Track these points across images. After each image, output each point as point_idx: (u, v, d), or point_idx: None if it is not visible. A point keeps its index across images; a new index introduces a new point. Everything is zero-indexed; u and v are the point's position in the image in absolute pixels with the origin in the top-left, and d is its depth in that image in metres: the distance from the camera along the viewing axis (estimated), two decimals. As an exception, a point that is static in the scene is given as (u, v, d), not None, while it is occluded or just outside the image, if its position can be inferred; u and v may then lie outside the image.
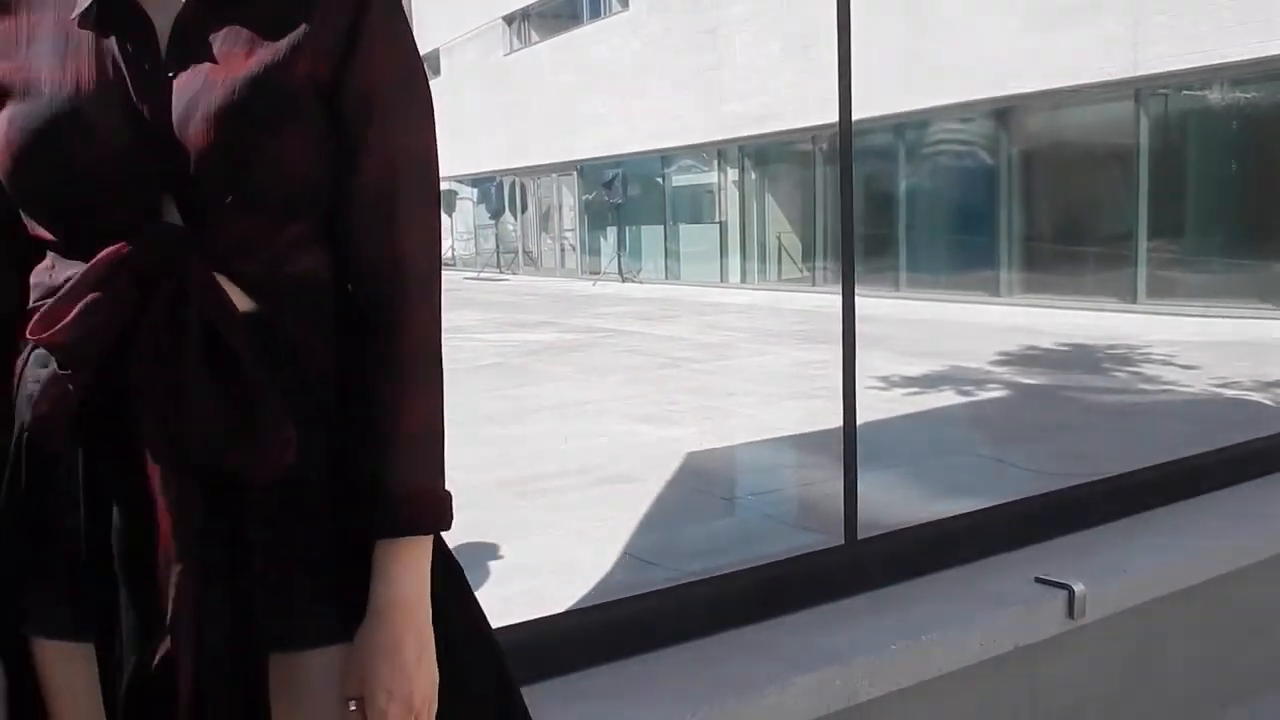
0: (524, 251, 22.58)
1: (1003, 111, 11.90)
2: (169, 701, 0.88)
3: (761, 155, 15.96)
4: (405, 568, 0.93)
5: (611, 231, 19.12)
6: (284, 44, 0.89)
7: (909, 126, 12.60)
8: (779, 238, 15.43)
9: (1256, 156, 10.44)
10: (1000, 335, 8.69)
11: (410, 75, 0.95)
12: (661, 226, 18.06)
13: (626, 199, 18.39)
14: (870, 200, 12.70)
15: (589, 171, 19.64)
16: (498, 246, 23.00)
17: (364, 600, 0.92)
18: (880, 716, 1.96)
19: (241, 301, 0.89)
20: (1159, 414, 5.82)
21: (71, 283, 0.86)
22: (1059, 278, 11.38)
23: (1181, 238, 10.87)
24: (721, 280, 16.22)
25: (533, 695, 1.67)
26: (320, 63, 0.90)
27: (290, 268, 0.92)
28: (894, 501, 3.20)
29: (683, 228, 17.66)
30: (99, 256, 0.86)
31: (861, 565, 2.16)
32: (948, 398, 6.32)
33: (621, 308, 13.00)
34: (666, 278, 17.28)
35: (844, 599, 2.11)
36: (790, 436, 5.10)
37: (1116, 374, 7.40)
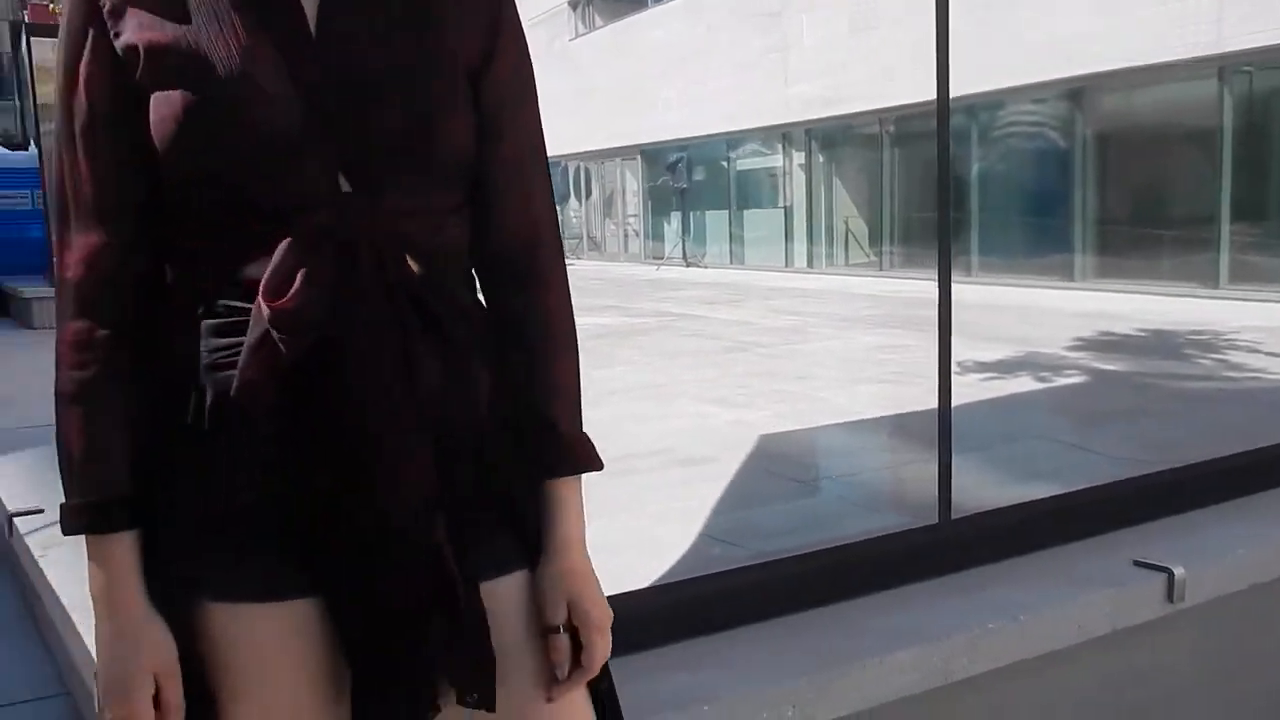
0: (588, 236, 22.63)
1: (1077, 92, 11.64)
2: (401, 649, 0.93)
3: (828, 138, 15.79)
4: (577, 504, 1.03)
5: (675, 216, 19.08)
6: (442, 28, 0.96)
7: (982, 108, 12.38)
8: (845, 222, 15.27)
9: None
10: (1076, 320, 8.52)
11: (529, 63, 1.05)
12: (726, 211, 17.97)
13: (691, 183, 18.33)
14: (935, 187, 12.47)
15: (653, 155, 19.61)
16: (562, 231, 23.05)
17: (533, 533, 1.01)
18: (975, 695, 1.95)
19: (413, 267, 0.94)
20: (1245, 401, 5.66)
21: (281, 253, 0.88)
22: (1135, 262, 11.12)
23: (1266, 220, 10.55)
24: (786, 265, 16.11)
25: (642, 665, 1.70)
26: (472, 48, 0.98)
27: (445, 235, 0.98)
28: (975, 485, 3.17)
29: (747, 212, 17.57)
30: (301, 227, 0.88)
31: (956, 544, 2.15)
32: (1025, 383, 6.21)
33: (686, 292, 12.97)
34: (731, 262, 17.21)
35: (938, 578, 2.11)
36: (863, 420, 5.07)
37: (1199, 360, 7.21)
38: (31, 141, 10.13)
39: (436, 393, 0.92)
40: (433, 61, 0.95)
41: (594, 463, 1.04)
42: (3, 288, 8.99)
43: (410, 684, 0.95)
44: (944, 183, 2.23)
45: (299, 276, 0.87)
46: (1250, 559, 2.25)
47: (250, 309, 0.89)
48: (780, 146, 16.79)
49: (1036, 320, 9.20)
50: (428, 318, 0.92)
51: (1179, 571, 2.10)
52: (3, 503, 3.06)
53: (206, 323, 0.92)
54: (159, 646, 0.91)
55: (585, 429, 1.05)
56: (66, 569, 2.38)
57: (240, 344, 0.89)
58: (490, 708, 0.95)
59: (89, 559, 0.92)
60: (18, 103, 13.84)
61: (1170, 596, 2.10)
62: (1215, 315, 8.94)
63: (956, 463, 2.87)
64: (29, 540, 2.67)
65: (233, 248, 0.91)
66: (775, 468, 4.37)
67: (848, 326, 9.64)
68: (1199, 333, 8.20)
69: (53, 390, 0.94)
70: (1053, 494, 2.47)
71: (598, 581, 1.03)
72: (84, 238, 0.93)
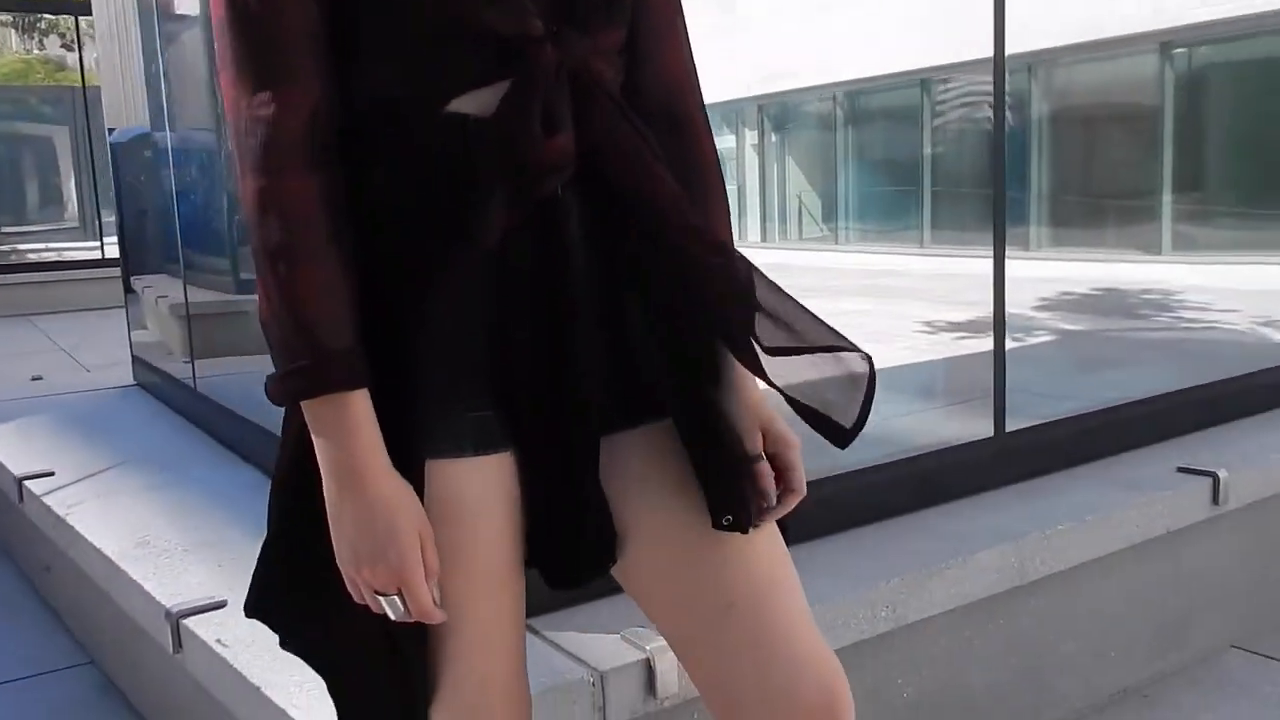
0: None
1: (1030, 67, 11.86)
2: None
3: (780, 114, 15.89)
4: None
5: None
6: None
7: (936, 82, 12.55)
8: (799, 197, 15.40)
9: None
10: (1036, 285, 8.67)
11: None
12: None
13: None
14: (894, 158, 12.68)
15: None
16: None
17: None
18: (1046, 595, 2.01)
19: None
20: (1212, 346, 5.85)
21: (516, 88, 0.89)
22: (1086, 232, 11.37)
23: (1203, 192, 10.86)
24: (740, 238, 16.13)
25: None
26: None
27: (619, 73, 0.99)
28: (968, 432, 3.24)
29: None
30: (536, 59, 0.89)
31: (1011, 455, 2.20)
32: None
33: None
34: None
35: (1000, 488, 2.16)
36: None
37: (1157, 317, 7.42)
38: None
39: (685, 200, 0.95)
40: None
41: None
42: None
43: (595, 532, 0.98)
44: (998, 140, 2.31)
45: (564, 113, 0.89)
46: (1284, 465, 2.34)
47: (458, 146, 0.89)
48: (734, 122, 16.83)
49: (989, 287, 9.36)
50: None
51: (1223, 474, 2.18)
52: (7, 468, 2.99)
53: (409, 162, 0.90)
54: (415, 506, 0.89)
55: None
56: (98, 521, 2.34)
57: (458, 184, 0.89)
58: (744, 528, 0.97)
59: (321, 432, 0.88)
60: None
61: (1215, 499, 2.18)
62: (1161, 278, 9.21)
63: (959, 410, 2.94)
64: (48, 501, 2.62)
65: (442, 80, 0.89)
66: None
67: (809, 294, 9.71)
68: (1149, 292, 8.44)
69: (251, 253, 0.90)
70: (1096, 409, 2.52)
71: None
72: (278, 82, 0.87)
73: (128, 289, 4.27)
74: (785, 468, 1.01)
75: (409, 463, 0.91)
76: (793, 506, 1.01)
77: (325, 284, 0.87)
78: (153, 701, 2.27)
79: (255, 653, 1.58)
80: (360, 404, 0.87)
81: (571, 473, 0.97)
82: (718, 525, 0.97)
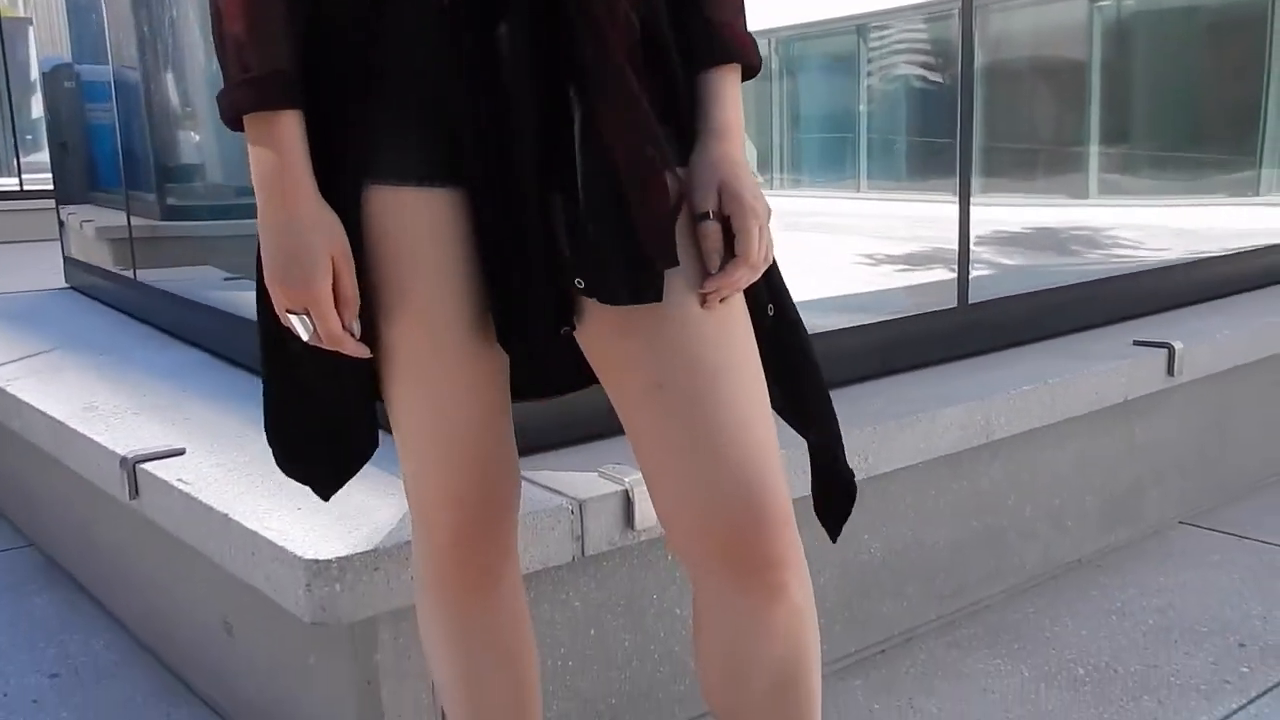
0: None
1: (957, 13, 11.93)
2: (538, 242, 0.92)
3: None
4: (733, 93, 0.98)
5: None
6: None
7: (872, 29, 12.57)
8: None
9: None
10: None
11: None
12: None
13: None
14: (830, 106, 12.67)
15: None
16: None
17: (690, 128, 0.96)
18: (1007, 457, 2.04)
19: None
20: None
21: None
22: (1015, 179, 11.54)
23: (1128, 142, 11.08)
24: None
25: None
26: None
27: None
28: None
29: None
30: None
31: (976, 326, 2.22)
32: (941, 273, 6.41)
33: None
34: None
35: (963, 360, 2.18)
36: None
37: (1089, 253, 7.57)
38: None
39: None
40: None
41: (753, 57, 0.99)
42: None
43: (546, 284, 0.93)
44: (967, 77, 2.29)
45: None
46: (1232, 341, 2.39)
47: None
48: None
49: (930, 226, 9.51)
50: None
51: (1178, 346, 2.22)
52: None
53: None
54: (335, 230, 0.90)
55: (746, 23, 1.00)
56: (41, 392, 2.25)
57: None
58: (653, 298, 0.91)
59: (254, 145, 0.90)
60: None
61: (1170, 369, 2.22)
62: (1089, 219, 9.45)
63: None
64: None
65: None
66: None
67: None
68: (1080, 229, 8.65)
69: None
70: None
71: (755, 180, 0.96)
72: None
73: (60, 205, 4.12)
74: (735, 231, 0.93)
75: (356, 193, 0.92)
76: (737, 276, 0.93)
77: (265, 8, 0.88)
78: (102, 569, 2.21)
79: (220, 488, 1.53)
80: (292, 124, 0.89)
81: (521, 217, 0.92)
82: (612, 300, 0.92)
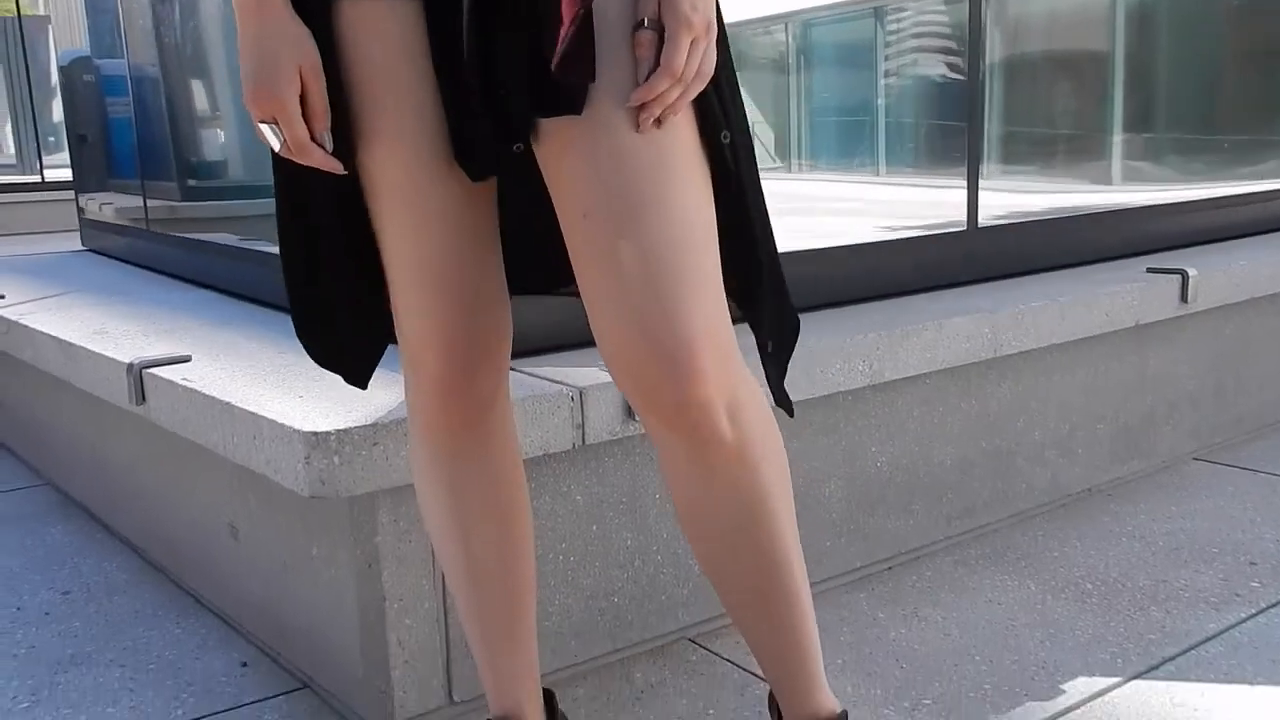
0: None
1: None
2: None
3: (733, 43, 15.75)
4: None
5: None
6: None
7: (888, 11, 12.53)
8: (752, 126, 15.32)
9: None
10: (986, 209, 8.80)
11: None
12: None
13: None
14: (848, 91, 12.62)
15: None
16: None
17: None
18: (1016, 378, 2.03)
19: None
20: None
21: None
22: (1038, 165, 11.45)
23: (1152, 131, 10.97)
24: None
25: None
26: None
27: None
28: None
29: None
30: None
31: (985, 252, 2.21)
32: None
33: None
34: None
35: (970, 285, 2.17)
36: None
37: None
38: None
39: None
40: None
41: None
42: None
43: (496, 100, 0.91)
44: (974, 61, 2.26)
45: None
46: (1250, 272, 2.36)
47: None
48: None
49: (951, 210, 9.45)
50: None
51: (1192, 273, 2.20)
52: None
53: None
54: (303, 42, 0.91)
55: None
56: (53, 322, 2.27)
57: None
58: (573, 110, 0.88)
59: None
60: None
61: (1184, 296, 2.20)
62: (1111, 205, 9.38)
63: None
64: (5, 314, 2.53)
65: None
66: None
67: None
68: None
69: None
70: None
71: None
72: None
73: (79, 195, 4.16)
74: (665, 40, 0.87)
75: (325, 6, 0.93)
76: (660, 87, 0.87)
77: None
78: (113, 494, 2.23)
79: (223, 385, 1.53)
80: None
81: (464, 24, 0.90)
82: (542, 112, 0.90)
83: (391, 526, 1.38)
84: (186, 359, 1.73)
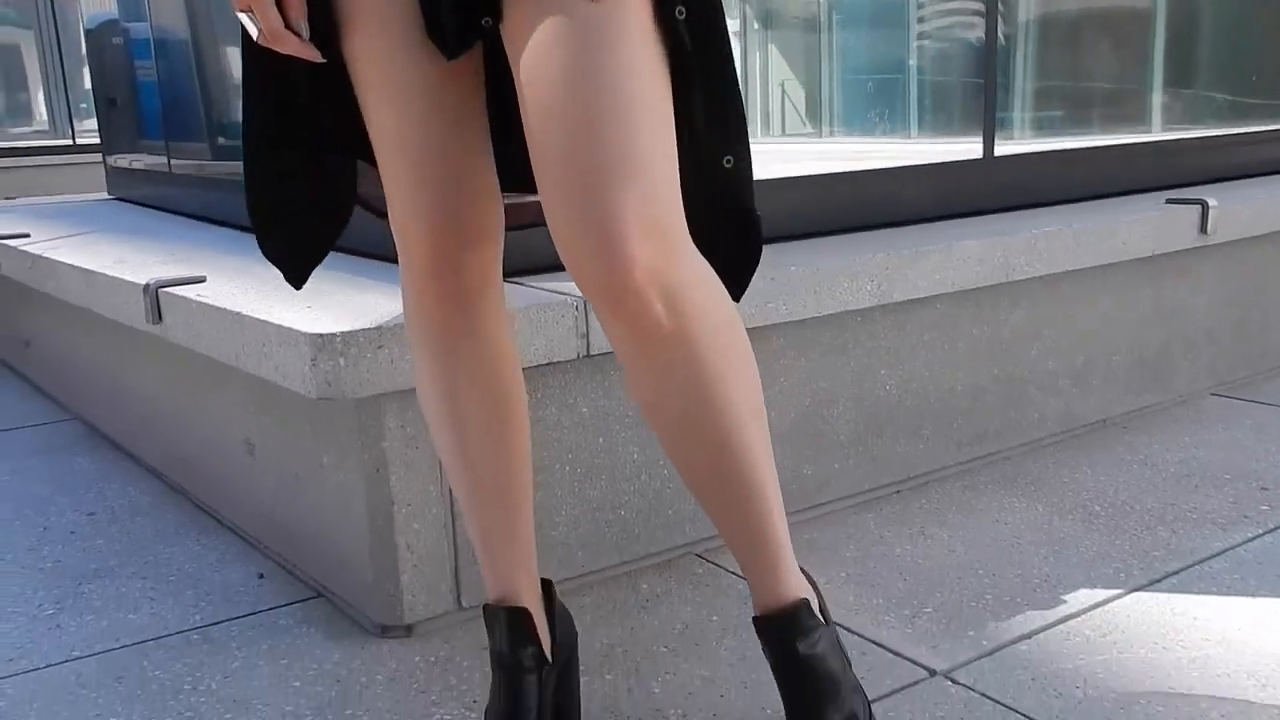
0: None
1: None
2: None
3: (763, 5, 15.64)
4: None
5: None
6: None
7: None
8: (782, 85, 15.23)
9: None
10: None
11: None
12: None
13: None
14: (880, 52, 12.49)
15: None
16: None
17: None
18: (1030, 305, 2.02)
19: None
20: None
21: None
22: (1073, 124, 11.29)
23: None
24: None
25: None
26: None
27: None
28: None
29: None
30: None
31: (1001, 181, 2.19)
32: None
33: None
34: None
35: (985, 214, 2.16)
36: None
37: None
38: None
39: None
40: None
41: None
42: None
43: None
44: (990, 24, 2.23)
45: None
46: (1271, 205, 2.33)
47: None
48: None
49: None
50: None
51: (1212, 203, 2.17)
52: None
53: None
54: None
55: None
56: (75, 254, 2.31)
57: None
58: None
59: None
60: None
61: (1203, 227, 2.17)
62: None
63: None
64: (25, 248, 2.57)
65: None
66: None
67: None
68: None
69: None
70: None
71: None
72: None
73: (106, 156, 4.21)
74: None
75: None
76: None
77: None
78: (134, 421, 2.28)
79: (235, 300, 1.56)
80: None
81: None
82: None
83: (399, 432, 1.40)
84: (201, 279, 1.76)
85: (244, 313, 1.47)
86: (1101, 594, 1.50)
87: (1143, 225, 2.08)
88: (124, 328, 2.21)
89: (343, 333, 1.30)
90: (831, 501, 1.85)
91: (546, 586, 1.17)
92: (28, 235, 2.76)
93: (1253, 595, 1.48)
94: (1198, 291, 2.30)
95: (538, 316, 1.42)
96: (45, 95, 9.47)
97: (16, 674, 1.41)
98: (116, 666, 1.42)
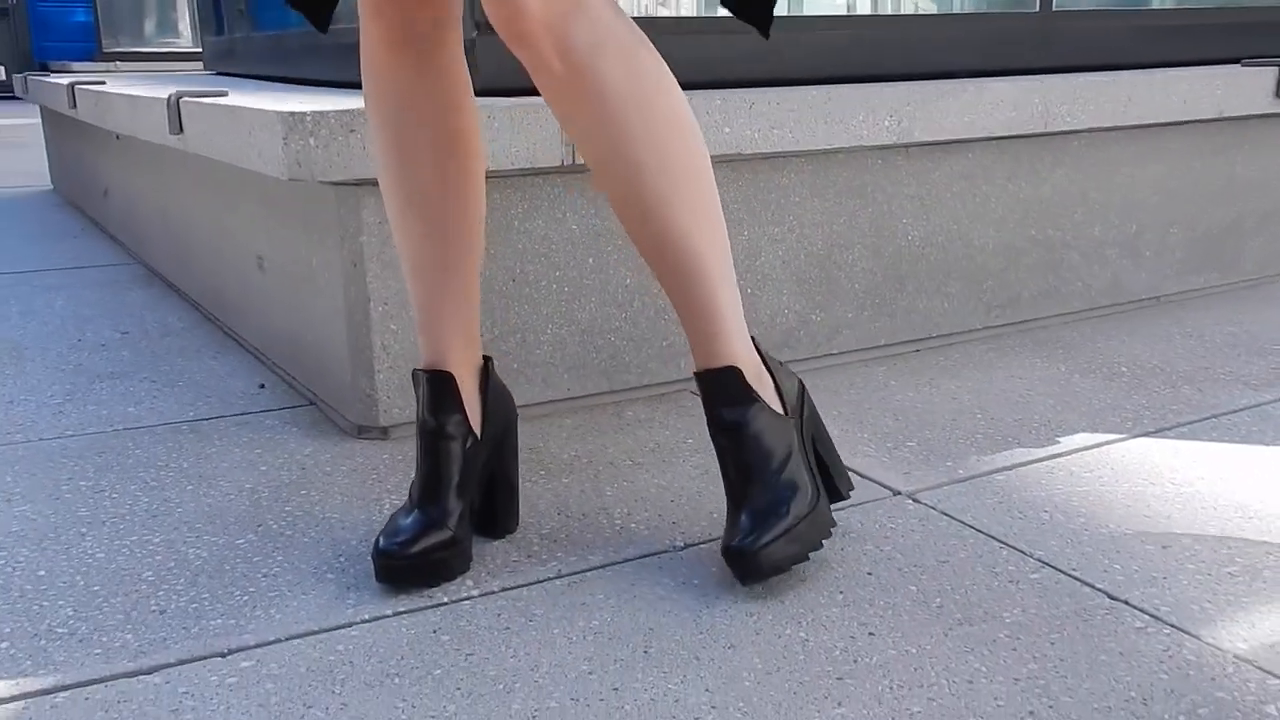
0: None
1: None
2: None
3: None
4: None
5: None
6: None
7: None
8: None
9: None
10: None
11: None
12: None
13: None
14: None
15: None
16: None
17: None
18: (1074, 164, 1.90)
19: None
20: None
21: None
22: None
23: None
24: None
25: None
26: None
27: None
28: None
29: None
30: None
31: (1058, 38, 2.06)
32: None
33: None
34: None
35: (1040, 73, 2.03)
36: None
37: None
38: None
39: None
40: None
41: None
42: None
43: None
44: None
45: None
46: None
47: None
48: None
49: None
50: None
51: (1293, 65, 2.01)
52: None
53: None
54: None
55: None
56: (122, 89, 2.37)
57: None
58: None
59: None
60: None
61: (1279, 90, 2.01)
62: None
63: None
64: (92, 88, 2.64)
65: None
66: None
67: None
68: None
69: None
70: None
71: None
72: None
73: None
74: None
75: None
76: None
77: None
78: (177, 253, 2.34)
79: (243, 102, 1.57)
80: None
81: None
82: None
83: (377, 228, 1.40)
84: (224, 93, 1.78)
85: (237, 105, 1.48)
86: (1102, 437, 1.42)
87: (1207, 83, 1.93)
88: (168, 159, 2.26)
89: (313, 112, 1.29)
90: (843, 353, 1.79)
91: (486, 361, 1.15)
92: (103, 82, 2.85)
93: (1270, 445, 1.38)
94: (1272, 167, 2.14)
95: (520, 118, 1.39)
96: (189, 11, 9.89)
97: (5, 444, 1.47)
98: (101, 445, 1.47)
